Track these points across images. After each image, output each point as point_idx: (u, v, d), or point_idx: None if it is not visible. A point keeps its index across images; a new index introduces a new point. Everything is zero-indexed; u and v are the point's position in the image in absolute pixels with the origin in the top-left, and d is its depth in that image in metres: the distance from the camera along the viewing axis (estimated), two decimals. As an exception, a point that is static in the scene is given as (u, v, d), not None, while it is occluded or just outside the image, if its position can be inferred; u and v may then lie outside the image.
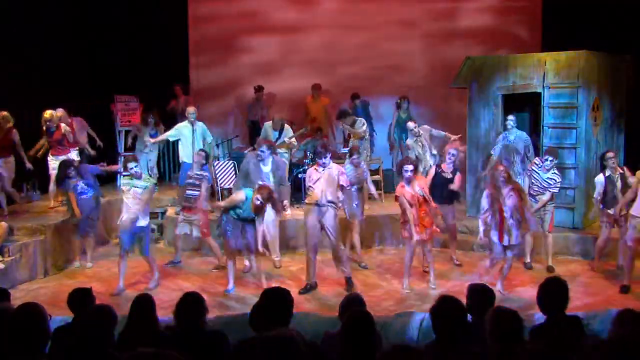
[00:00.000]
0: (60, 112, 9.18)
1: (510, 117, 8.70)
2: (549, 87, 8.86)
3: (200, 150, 8.61)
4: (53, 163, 8.97)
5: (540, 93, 8.94)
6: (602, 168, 7.67)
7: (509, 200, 6.73)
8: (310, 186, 7.22)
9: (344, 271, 7.26)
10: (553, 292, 4.03)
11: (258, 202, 6.94)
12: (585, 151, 8.75)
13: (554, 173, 7.72)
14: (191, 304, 4.02)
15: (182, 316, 3.98)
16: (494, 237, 6.85)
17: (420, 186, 7.13)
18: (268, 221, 7.61)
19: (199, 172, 8.13)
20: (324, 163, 7.17)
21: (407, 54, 12.23)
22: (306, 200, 7.39)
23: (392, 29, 12.23)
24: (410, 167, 7.13)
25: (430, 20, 12.31)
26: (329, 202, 7.14)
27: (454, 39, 12.06)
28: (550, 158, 7.69)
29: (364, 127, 9.82)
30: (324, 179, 7.13)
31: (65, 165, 8.07)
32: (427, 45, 12.26)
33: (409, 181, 7.11)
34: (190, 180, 8.13)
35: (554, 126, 8.86)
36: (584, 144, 8.74)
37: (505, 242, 6.79)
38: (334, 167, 7.27)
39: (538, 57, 9.14)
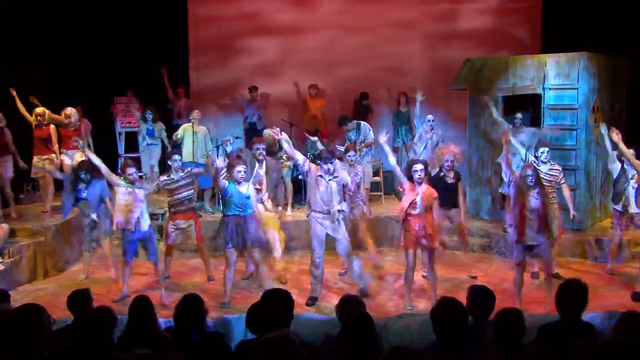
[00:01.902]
0: (70, 110, 9.11)
1: (518, 114, 8.60)
2: (549, 89, 8.87)
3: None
4: (38, 165, 8.90)
5: (540, 94, 8.94)
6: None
7: (534, 202, 6.45)
8: (316, 192, 6.77)
9: (360, 287, 6.90)
10: (570, 293, 4.03)
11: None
12: (586, 152, 8.74)
13: (552, 166, 7.46)
14: (191, 305, 4.01)
15: (182, 318, 3.97)
16: (513, 236, 6.52)
17: (422, 194, 6.59)
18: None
19: (186, 171, 7.51)
20: (328, 169, 6.73)
21: (406, 55, 12.23)
22: (313, 208, 6.88)
23: (391, 30, 12.23)
24: (420, 166, 6.59)
25: (430, 21, 12.31)
26: (339, 211, 6.80)
27: (454, 40, 12.06)
28: (547, 149, 7.45)
29: (371, 133, 9.69)
30: (332, 189, 6.76)
31: (80, 166, 7.74)
32: (426, 47, 12.26)
33: (420, 183, 6.59)
34: (179, 183, 7.40)
35: (554, 128, 8.86)
36: (584, 145, 8.74)
37: (526, 241, 6.45)
38: (341, 175, 6.89)
39: (538, 59, 9.14)
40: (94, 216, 7.58)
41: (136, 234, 7.02)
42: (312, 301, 6.97)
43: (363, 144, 9.40)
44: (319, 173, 6.81)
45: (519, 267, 6.63)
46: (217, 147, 11.21)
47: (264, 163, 7.59)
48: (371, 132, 9.64)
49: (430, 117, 9.46)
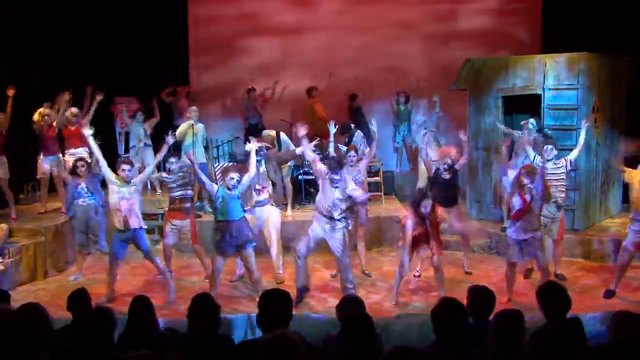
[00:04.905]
0: (74, 110, 9.05)
1: (532, 119, 8.30)
2: (549, 89, 8.86)
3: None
4: (44, 166, 8.88)
5: (540, 95, 8.94)
6: None
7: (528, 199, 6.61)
8: (321, 194, 6.78)
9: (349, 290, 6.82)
10: (551, 296, 4.05)
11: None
12: (586, 153, 8.73)
13: (557, 162, 7.42)
14: (205, 304, 3.95)
15: (196, 318, 3.91)
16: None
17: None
18: (270, 225, 7.56)
19: (181, 167, 7.55)
20: (337, 180, 6.67)
21: (407, 56, 12.23)
22: (319, 209, 6.86)
23: (391, 31, 12.24)
24: (430, 203, 6.70)
25: (430, 22, 12.32)
26: (340, 215, 6.74)
27: (454, 40, 12.07)
28: (551, 147, 7.44)
29: (363, 145, 9.60)
30: (336, 196, 6.69)
31: (79, 158, 7.82)
32: (427, 47, 12.26)
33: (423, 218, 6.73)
34: (177, 182, 7.51)
35: (554, 128, 8.85)
36: (584, 145, 8.71)
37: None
38: (349, 185, 6.79)
39: (538, 59, 9.13)
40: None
41: (126, 233, 6.88)
42: (299, 298, 6.78)
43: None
44: (327, 177, 6.76)
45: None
46: (217, 147, 11.24)
47: (263, 163, 7.53)
48: (362, 139, 9.58)
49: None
